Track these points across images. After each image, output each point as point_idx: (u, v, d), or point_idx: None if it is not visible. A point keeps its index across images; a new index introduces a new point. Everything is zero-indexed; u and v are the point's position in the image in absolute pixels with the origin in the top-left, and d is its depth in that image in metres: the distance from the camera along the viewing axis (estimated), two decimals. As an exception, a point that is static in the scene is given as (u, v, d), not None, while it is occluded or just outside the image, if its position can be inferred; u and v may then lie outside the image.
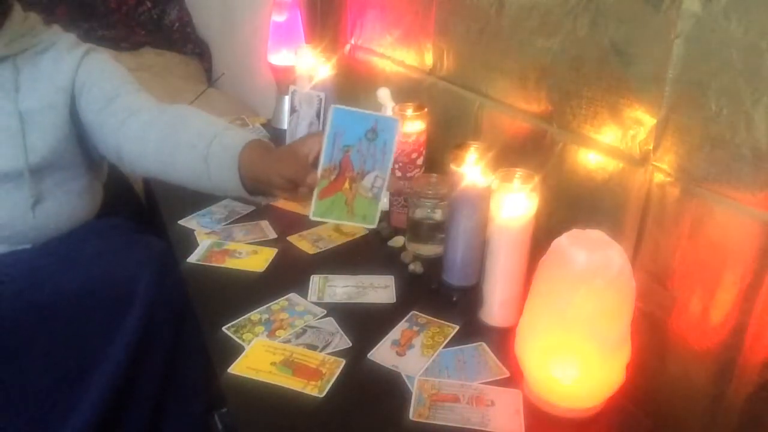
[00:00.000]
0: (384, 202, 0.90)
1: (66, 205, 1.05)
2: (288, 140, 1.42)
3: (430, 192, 1.05)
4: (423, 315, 0.92)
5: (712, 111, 0.70)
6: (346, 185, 0.86)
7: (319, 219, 0.88)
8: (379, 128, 0.84)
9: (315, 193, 0.85)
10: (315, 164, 0.85)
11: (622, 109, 0.84)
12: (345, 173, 0.85)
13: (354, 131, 0.83)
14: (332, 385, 0.78)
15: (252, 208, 1.22)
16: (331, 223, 0.92)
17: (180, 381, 0.97)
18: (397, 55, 1.38)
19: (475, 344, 0.87)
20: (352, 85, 1.53)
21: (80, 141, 1.07)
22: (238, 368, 0.81)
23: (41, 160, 1.00)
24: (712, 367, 0.73)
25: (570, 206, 0.94)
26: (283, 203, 1.25)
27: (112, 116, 1.02)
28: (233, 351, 0.84)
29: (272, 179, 0.88)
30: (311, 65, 1.38)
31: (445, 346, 0.86)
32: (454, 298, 0.97)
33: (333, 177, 0.85)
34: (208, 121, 1.00)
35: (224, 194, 1.05)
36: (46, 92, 1.01)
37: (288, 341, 0.86)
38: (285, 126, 1.49)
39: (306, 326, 0.89)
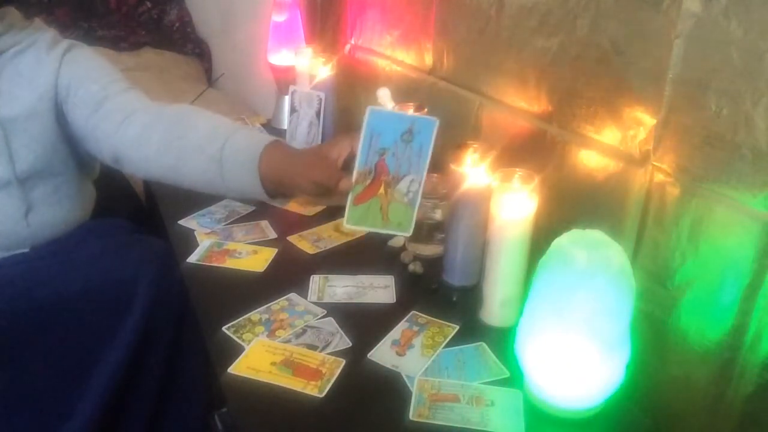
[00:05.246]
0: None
1: (60, 210, 1.03)
2: (288, 140, 1.42)
3: (430, 192, 1.05)
4: (423, 315, 0.92)
5: (712, 111, 0.70)
6: (381, 190, 0.83)
7: (353, 227, 0.85)
8: (415, 130, 0.81)
9: (350, 198, 0.82)
10: (345, 168, 0.82)
11: (622, 109, 0.84)
12: (380, 177, 0.82)
13: (390, 133, 0.80)
14: (332, 385, 0.78)
15: (252, 208, 1.22)
16: (366, 230, 0.90)
17: (180, 381, 0.97)
18: (397, 55, 1.38)
19: (475, 344, 0.87)
20: (352, 85, 1.53)
21: (70, 145, 1.03)
22: (238, 368, 0.81)
23: (29, 168, 0.97)
24: (712, 367, 0.73)
25: (570, 206, 0.94)
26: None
27: (105, 120, 0.98)
28: (233, 351, 0.84)
29: (301, 184, 0.85)
30: (311, 65, 1.38)
31: (445, 346, 0.86)
32: (454, 298, 0.97)
33: (368, 182, 0.82)
34: (215, 122, 0.96)
35: (240, 197, 1.01)
36: (27, 99, 0.97)
37: (288, 341, 0.86)
38: (285, 126, 1.49)
39: (306, 326, 0.89)
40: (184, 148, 0.93)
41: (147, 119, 0.97)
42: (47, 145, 1.00)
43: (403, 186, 0.83)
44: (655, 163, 0.79)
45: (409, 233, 0.86)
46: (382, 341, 0.86)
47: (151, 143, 0.95)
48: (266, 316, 0.91)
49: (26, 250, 1.01)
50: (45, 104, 0.98)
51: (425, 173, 0.83)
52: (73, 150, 1.05)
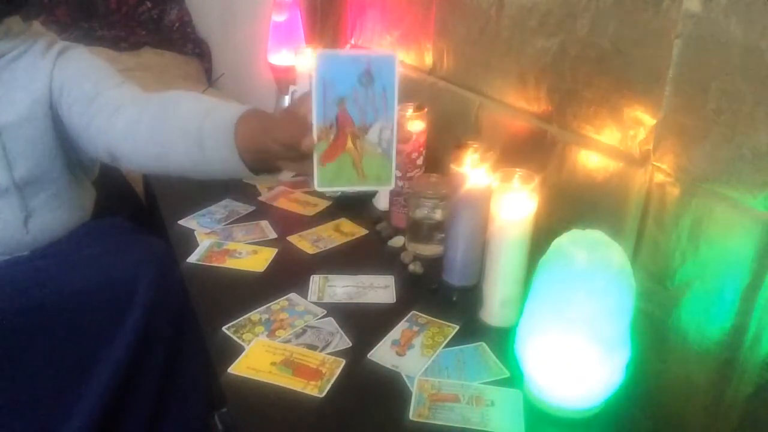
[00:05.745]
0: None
1: (60, 215, 1.03)
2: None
3: (430, 192, 1.05)
4: (423, 315, 0.92)
5: (712, 111, 0.70)
6: (350, 143, 0.74)
7: (326, 189, 0.77)
8: (373, 70, 0.72)
9: (315, 158, 0.74)
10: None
11: (622, 109, 0.84)
12: (345, 130, 0.73)
13: (345, 79, 0.71)
14: (332, 385, 0.78)
15: (252, 207, 1.22)
16: (341, 190, 0.79)
17: (180, 381, 0.97)
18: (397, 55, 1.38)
19: (475, 344, 0.87)
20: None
21: (68, 150, 1.02)
22: (238, 368, 0.81)
23: (27, 174, 0.97)
24: (712, 367, 0.73)
25: (570, 206, 0.94)
26: (283, 203, 1.25)
27: (96, 116, 0.95)
28: (233, 351, 0.84)
29: (270, 147, 0.79)
30: (311, 65, 1.38)
31: (445, 346, 0.86)
32: (454, 298, 0.97)
33: (332, 137, 0.73)
34: (196, 101, 0.90)
35: (227, 177, 0.98)
36: (23, 104, 0.96)
37: (288, 341, 0.86)
38: (285, 126, 1.49)
39: (306, 326, 0.89)
40: (168, 133, 0.89)
41: (134, 110, 0.93)
42: (45, 151, 0.99)
43: (373, 135, 0.74)
44: (655, 163, 0.79)
45: (390, 186, 0.78)
46: (382, 341, 0.86)
47: (140, 133, 0.91)
48: (266, 316, 0.91)
49: (26, 253, 1.01)
50: (41, 109, 0.97)
51: (395, 116, 0.75)
52: (71, 154, 1.04)
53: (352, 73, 0.71)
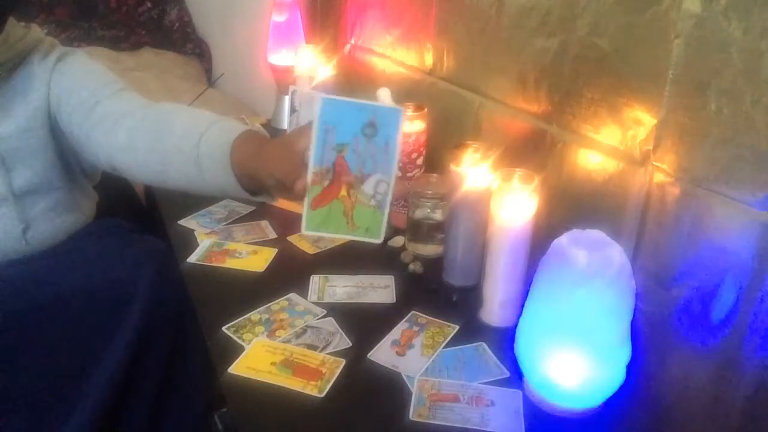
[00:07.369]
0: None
1: (59, 224, 1.02)
2: (288, 140, 1.41)
3: (430, 192, 1.05)
4: (423, 315, 0.92)
5: (712, 111, 0.71)
6: (343, 192, 0.73)
7: (313, 233, 0.75)
8: (378, 122, 0.70)
9: (306, 202, 0.73)
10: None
11: (622, 109, 0.84)
12: (340, 177, 0.72)
13: (348, 126, 0.70)
14: (332, 385, 0.78)
15: (252, 208, 1.22)
16: (328, 237, 0.78)
17: (180, 381, 0.97)
18: (397, 55, 1.38)
19: (475, 344, 0.87)
20: (352, 85, 1.53)
21: (69, 158, 1.02)
22: (238, 368, 0.81)
23: (27, 183, 0.96)
24: (712, 367, 0.73)
25: (570, 206, 0.94)
26: (283, 203, 1.25)
27: (96, 127, 0.94)
28: (233, 351, 0.84)
29: (264, 179, 0.79)
30: (311, 65, 1.38)
31: (445, 346, 0.86)
32: (454, 298, 0.97)
33: (326, 183, 0.72)
34: (193, 119, 0.90)
35: (228, 196, 0.94)
36: (22, 115, 0.95)
37: (288, 341, 0.86)
38: (285, 126, 1.49)
39: (306, 326, 0.89)
40: (165, 152, 0.88)
41: (132, 124, 0.93)
42: (45, 161, 0.98)
43: (368, 187, 0.72)
44: (655, 163, 0.79)
45: (379, 240, 0.75)
46: (382, 341, 0.86)
47: (138, 149, 0.91)
48: (266, 316, 0.91)
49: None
50: (40, 119, 0.97)
51: (395, 172, 0.72)
52: (73, 162, 1.03)
53: (355, 121, 0.70)
